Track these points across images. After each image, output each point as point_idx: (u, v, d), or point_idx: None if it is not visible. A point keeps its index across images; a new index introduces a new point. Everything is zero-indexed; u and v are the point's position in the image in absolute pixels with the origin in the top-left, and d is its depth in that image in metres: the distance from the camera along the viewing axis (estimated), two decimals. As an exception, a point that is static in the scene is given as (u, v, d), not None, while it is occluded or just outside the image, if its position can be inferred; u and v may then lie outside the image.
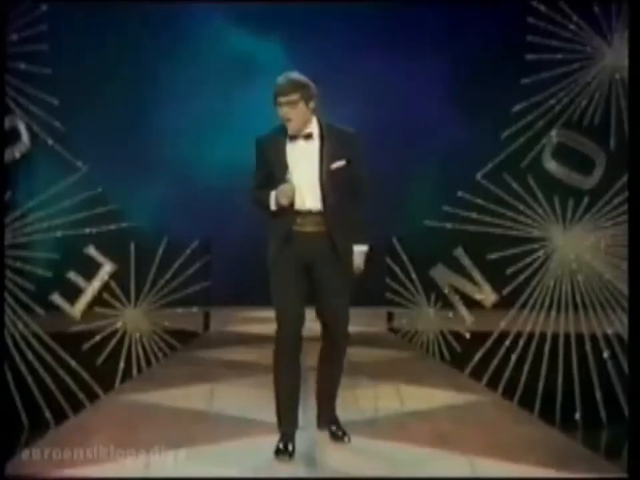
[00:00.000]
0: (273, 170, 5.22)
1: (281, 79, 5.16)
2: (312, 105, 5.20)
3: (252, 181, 5.40)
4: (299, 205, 5.18)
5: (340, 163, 5.19)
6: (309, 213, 5.19)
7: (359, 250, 5.35)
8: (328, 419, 5.59)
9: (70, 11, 10.68)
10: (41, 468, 4.97)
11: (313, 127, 5.24)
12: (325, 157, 5.18)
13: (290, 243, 5.20)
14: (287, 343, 5.21)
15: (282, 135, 5.23)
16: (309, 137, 5.21)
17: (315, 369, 5.60)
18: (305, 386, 5.44)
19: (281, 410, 5.29)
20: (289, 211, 5.18)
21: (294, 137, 5.20)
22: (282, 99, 5.12)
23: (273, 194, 5.19)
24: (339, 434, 5.52)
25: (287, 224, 5.20)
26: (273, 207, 5.19)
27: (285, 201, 5.13)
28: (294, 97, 5.12)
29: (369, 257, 5.43)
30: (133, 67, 13.43)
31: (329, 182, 5.17)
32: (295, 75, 5.20)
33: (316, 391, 5.63)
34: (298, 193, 5.16)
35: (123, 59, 13.36)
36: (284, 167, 5.19)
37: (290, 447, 5.19)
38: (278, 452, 5.19)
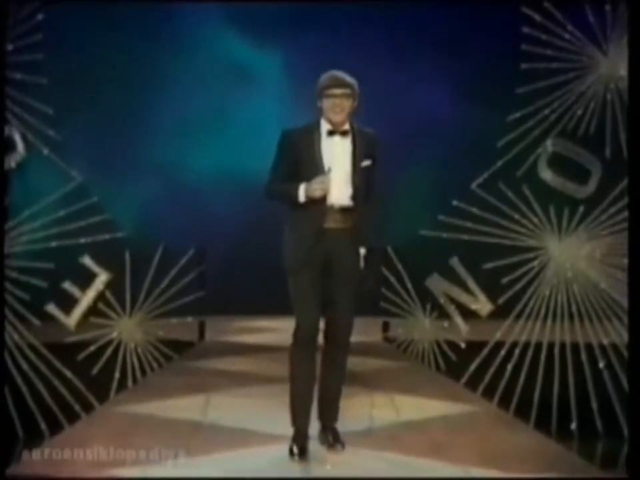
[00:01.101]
0: (302, 164, 5.27)
1: (333, 73, 5.33)
2: (355, 104, 5.36)
3: (270, 174, 5.38)
4: (333, 200, 5.25)
5: (367, 162, 5.33)
6: (340, 210, 5.27)
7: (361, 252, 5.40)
8: (328, 432, 5.57)
9: (65, 20, 10.68)
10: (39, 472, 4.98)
11: (347, 126, 5.36)
12: (358, 154, 5.30)
13: (320, 241, 5.24)
14: (306, 343, 5.30)
15: (315, 130, 5.33)
16: (345, 133, 5.32)
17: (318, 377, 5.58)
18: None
19: (296, 408, 5.40)
20: (320, 207, 5.23)
21: (332, 133, 5.30)
22: (338, 91, 5.25)
23: (302, 186, 5.20)
24: (333, 442, 5.51)
25: (318, 221, 5.25)
26: (302, 198, 5.21)
27: (319, 193, 5.17)
28: (348, 91, 5.28)
29: (368, 261, 5.42)
30: (128, 76, 13.41)
31: (359, 179, 5.29)
32: (345, 74, 5.36)
33: (318, 400, 5.58)
34: (333, 188, 5.22)
35: (118, 68, 13.34)
36: (318, 161, 5.25)
37: (304, 448, 5.32)
38: (292, 452, 5.31)
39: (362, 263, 5.39)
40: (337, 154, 5.28)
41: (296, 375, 5.37)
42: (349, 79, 5.33)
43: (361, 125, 5.45)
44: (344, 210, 5.28)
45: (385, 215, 5.62)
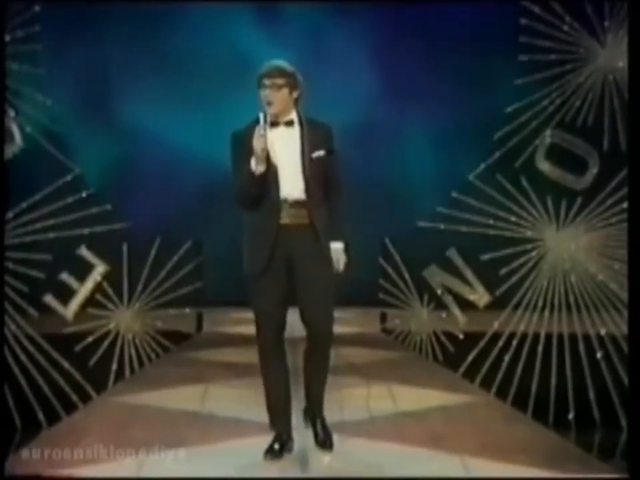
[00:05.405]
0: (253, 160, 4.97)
1: (268, 63, 5.08)
2: (295, 94, 5.08)
3: (234, 182, 5.09)
4: (285, 193, 5.03)
5: (320, 153, 5.06)
6: (294, 204, 5.04)
7: (335, 247, 5.16)
8: (313, 417, 5.32)
9: (63, 10, 10.66)
10: (35, 467, 4.96)
11: (293, 116, 5.11)
12: (307, 145, 5.05)
13: (279, 240, 5.07)
14: (273, 349, 5.17)
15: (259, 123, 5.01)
16: (289, 124, 5.08)
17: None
18: (295, 386, 5.39)
19: (273, 412, 5.26)
20: (273, 202, 5.01)
21: (275, 124, 5.05)
22: (267, 81, 5.01)
23: (252, 160, 4.93)
24: (322, 438, 5.26)
25: (273, 217, 5.06)
26: (253, 166, 4.92)
27: (260, 144, 4.87)
28: (279, 81, 5.02)
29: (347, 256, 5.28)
30: (127, 67, 13.39)
31: (311, 171, 5.04)
32: (283, 62, 5.11)
33: (304, 392, 5.39)
34: (282, 181, 5.02)
35: (117, 59, 13.33)
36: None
37: (282, 448, 5.14)
38: (269, 452, 5.13)
39: (342, 258, 5.16)
40: (283, 146, 5.05)
41: (268, 380, 5.22)
42: (280, 68, 5.04)
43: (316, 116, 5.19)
44: (298, 204, 5.04)
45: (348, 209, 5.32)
